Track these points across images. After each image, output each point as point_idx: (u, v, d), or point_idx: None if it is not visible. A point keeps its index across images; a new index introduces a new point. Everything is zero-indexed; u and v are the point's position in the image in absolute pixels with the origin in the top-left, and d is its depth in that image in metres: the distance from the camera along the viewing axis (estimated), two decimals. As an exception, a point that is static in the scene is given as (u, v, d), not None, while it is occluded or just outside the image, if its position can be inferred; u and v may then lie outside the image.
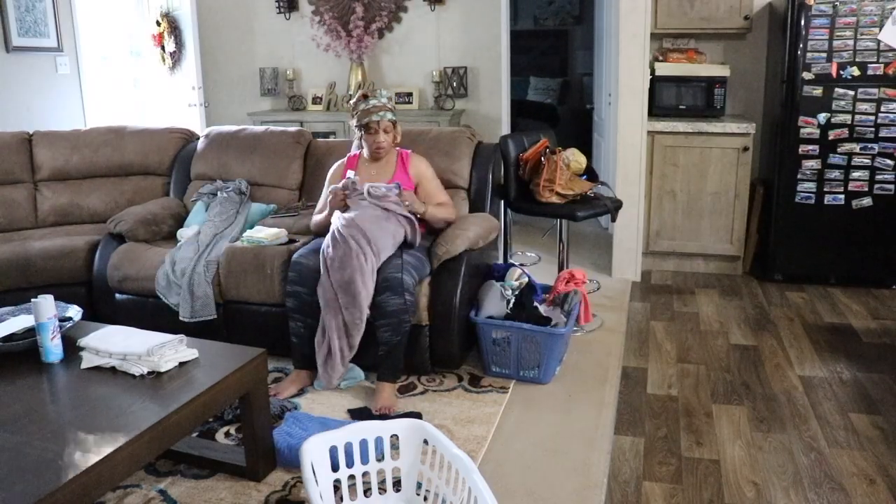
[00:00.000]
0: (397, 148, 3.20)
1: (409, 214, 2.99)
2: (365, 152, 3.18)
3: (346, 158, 3.27)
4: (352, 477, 2.12)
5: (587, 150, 4.90)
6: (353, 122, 3.13)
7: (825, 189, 4.15)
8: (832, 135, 4.08)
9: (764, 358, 3.34)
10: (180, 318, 3.12)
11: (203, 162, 3.89)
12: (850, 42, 3.96)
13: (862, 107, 4.01)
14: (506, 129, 5.47)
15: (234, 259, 3.17)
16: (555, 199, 3.50)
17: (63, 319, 2.42)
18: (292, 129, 3.91)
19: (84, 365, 2.21)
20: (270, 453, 2.38)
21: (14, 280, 3.33)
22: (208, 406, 2.09)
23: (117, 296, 3.36)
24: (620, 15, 4.14)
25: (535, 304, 3.21)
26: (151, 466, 2.41)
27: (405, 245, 3.00)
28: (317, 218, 3.23)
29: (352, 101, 3.15)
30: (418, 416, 2.72)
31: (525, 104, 8.01)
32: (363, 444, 2.17)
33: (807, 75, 4.04)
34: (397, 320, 2.82)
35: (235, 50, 5.96)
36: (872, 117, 4.01)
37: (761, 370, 3.21)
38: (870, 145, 4.05)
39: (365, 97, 3.07)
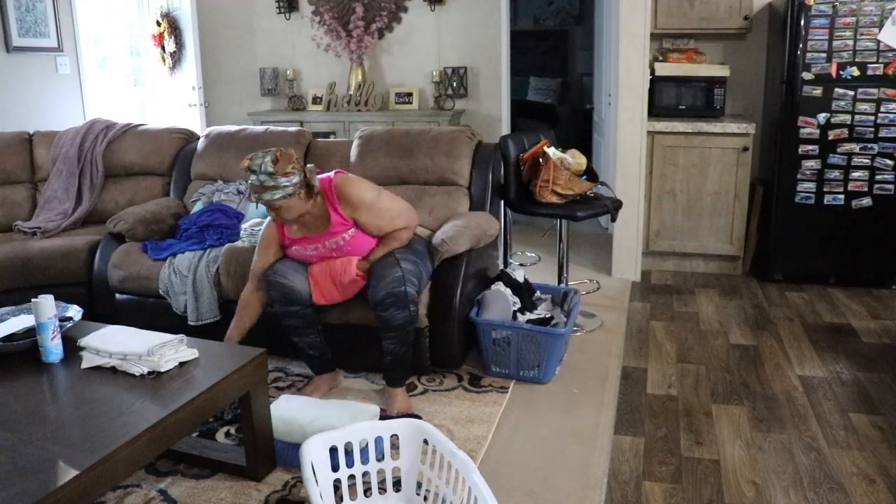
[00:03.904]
0: (320, 179, 2.69)
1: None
2: None
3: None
4: (352, 477, 2.13)
5: (587, 150, 4.90)
6: None
7: (825, 189, 4.15)
8: (832, 135, 4.08)
9: (764, 358, 3.34)
10: (189, 323, 3.11)
11: (203, 162, 3.89)
12: (850, 42, 3.97)
13: (862, 107, 4.01)
14: (506, 129, 5.47)
15: (233, 259, 3.17)
16: (554, 200, 3.50)
17: (63, 319, 2.43)
18: (292, 129, 3.90)
19: (84, 365, 2.21)
20: (270, 453, 2.39)
21: (14, 280, 3.33)
22: (208, 406, 2.09)
23: (117, 296, 3.36)
24: (620, 15, 4.14)
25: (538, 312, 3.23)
26: (151, 466, 2.41)
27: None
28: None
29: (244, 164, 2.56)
30: (418, 416, 2.72)
31: (525, 104, 8.01)
32: (363, 444, 2.17)
33: (807, 75, 4.04)
34: (404, 332, 2.77)
35: (235, 50, 5.96)
36: (872, 117, 4.01)
37: (761, 370, 3.21)
38: (869, 145, 4.05)
39: (250, 169, 2.52)
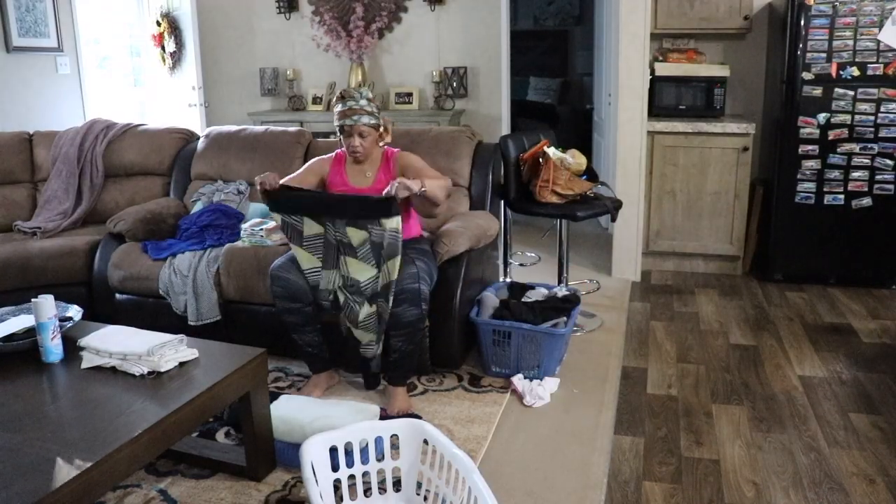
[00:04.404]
0: (386, 147, 2.99)
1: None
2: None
3: (334, 154, 3.05)
4: (352, 477, 2.13)
5: (587, 150, 4.91)
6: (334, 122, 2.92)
7: (825, 189, 4.15)
8: (832, 135, 4.08)
9: (764, 358, 3.34)
10: (189, 323, 3.12)
11: (203, 162, 3.89)
12: (850, 42, 3.97)
13: (861, 107, 4.01)
14: (506, 129, 5.47)
15: (234, 259, 3.17)
16: (554, 200, 3.50)
17: (63, 319, 2.42)
18: (292, 129, 3.91)
19: (84, 365, 2.21)
20: (270, 453, 2.39)
21: (14, 280, 3.32)
22: (208, 406, 2.09)
23: (117, 296, 3.36)
24: (620, 15, 4.14)
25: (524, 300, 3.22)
26: (151, 466, 2.41)
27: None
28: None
29: (333, 99, 2.93)
30: (418, 415, 2.72)
31: (525, 104, 8.01)
32: (363, 444, 2.17)
33: (807, 75, 4.04)
34: (413, 329, 2.77)
35: (235, 50, 5.96)
36: (872, 117, 4.01)
37: (761, 370, 3.21)
38: (869, 145, 4.05)
39: (342, 98, 2.84)
